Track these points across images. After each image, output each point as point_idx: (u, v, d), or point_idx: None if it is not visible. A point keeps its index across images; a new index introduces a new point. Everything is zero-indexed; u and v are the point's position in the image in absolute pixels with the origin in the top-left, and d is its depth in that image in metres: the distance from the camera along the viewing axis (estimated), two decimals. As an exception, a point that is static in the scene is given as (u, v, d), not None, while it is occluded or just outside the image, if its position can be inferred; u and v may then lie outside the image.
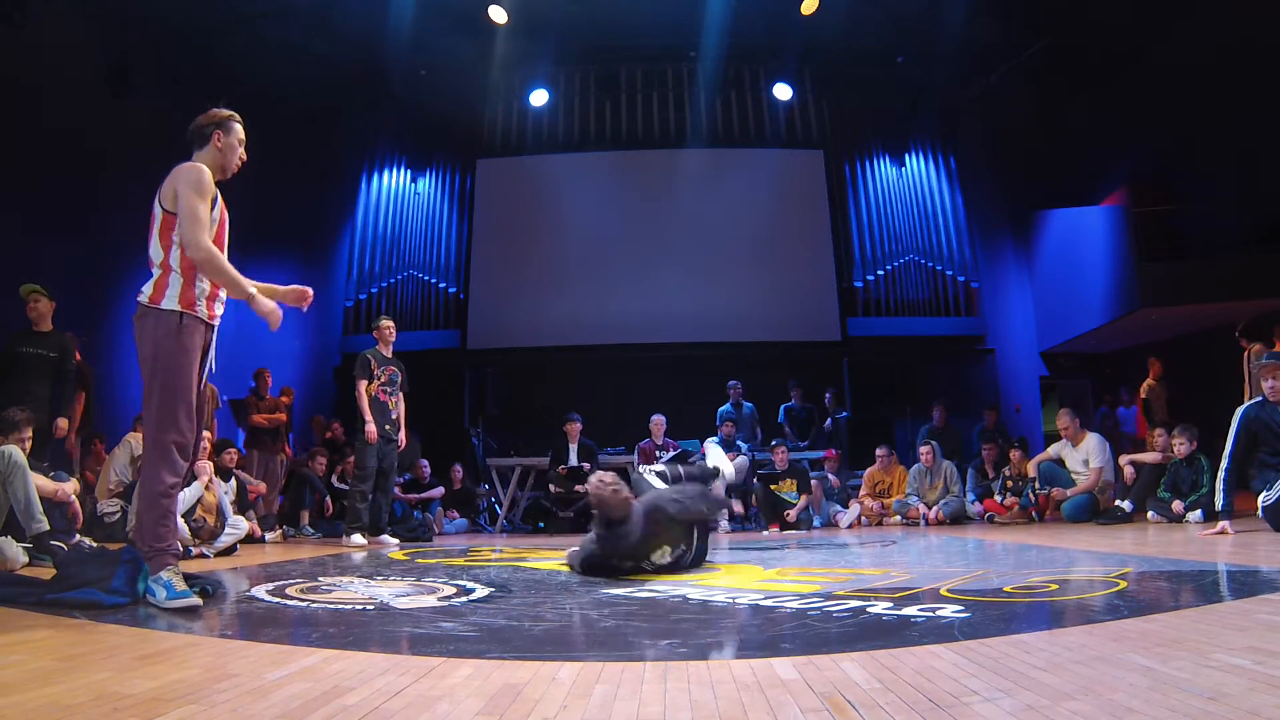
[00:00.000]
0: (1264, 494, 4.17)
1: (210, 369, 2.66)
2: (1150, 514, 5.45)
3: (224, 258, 2.56)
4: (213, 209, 2.58)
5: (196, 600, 2.29)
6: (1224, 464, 4.28)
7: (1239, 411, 4.33)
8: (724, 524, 6.74)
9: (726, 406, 8.15)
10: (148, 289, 2.54)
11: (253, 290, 2.55)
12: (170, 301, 2.52)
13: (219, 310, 2.67)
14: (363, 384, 5.65)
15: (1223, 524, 4.09)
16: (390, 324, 5.94)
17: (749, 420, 8.19)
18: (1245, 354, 6.31)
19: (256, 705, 1.26)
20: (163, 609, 2.23)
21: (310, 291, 2.87)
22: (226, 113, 2.70)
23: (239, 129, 2.70)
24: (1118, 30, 8.64)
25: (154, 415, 2.47)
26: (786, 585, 2.76)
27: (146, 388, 2.50)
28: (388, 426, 5.70)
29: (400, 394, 5.84)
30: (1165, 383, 7.89)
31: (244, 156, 2.74)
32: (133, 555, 2.42)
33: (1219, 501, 4.22)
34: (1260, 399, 4.34)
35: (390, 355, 5.84)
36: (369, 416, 5.56)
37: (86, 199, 7.05)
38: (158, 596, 2.29)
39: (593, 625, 2.06)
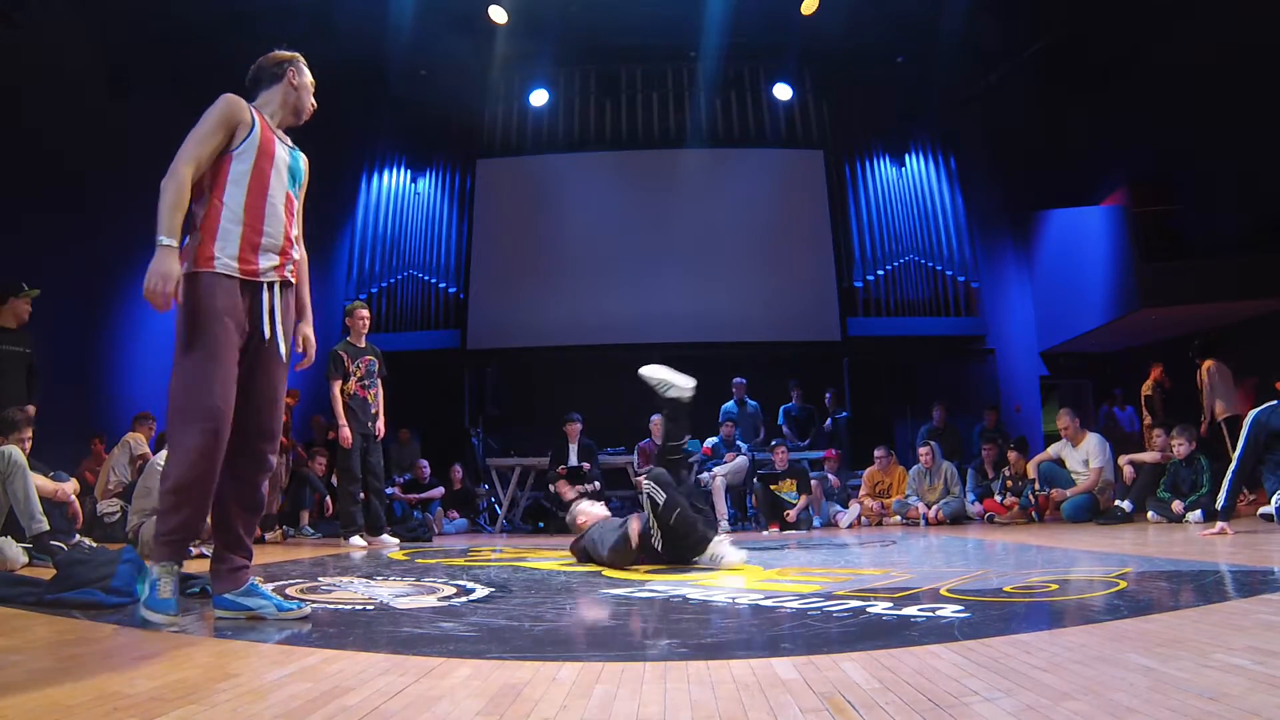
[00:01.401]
0: (1277, 495, 4.20)
1: (275, 337, 2.20)
2: (1150, 514, 5.46)
3: (185, 193, 2.08)
4: (238, 142, 2.17)
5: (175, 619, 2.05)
6: (1233, 466, 4.30)
7: (1251, 415, 4.33)
8: (724, 524, 6.74)
9: (730, 404, 8.15)
10: (185, 251, 2.15)
11: (165, 240, 2.02)
12: (189, 264, 2.12)
13: (266, 264, 2.18)
14: (337, 384, 5.44)
15: (1221, 524, 4.09)
16: (366, 313, 5.71)
17: (752, 418, 8.18)
18: (1199, 370, 6.54)
19: (256, 705, 1.26)
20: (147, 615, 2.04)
21: (311, 358, 2.51)
22: (293, 53, 2.40)
23: (308, 72, 2.41)
24: (1118, 30, 8.64)
25: (173, 393, 2.09)
26: (786, 585, 2.76)
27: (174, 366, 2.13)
28: (370, 423, 5.52)
29: (379, 383, 5.63)
30: (1164, 385, 7.91)
31: (314, 103, 2.43)
32: (133, 555, 2.41)
33: (1221, 501, 4.22)
34: (1274, 403, 4.34)
35: (364, 345, 5.63)
36: (343, 420, 5.39)
37: (87, 199, 7.05)
38: (142, 595, 2.08)
39: (593, 625, 2.06)
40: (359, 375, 5.52)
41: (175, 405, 2.09)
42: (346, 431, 5.39)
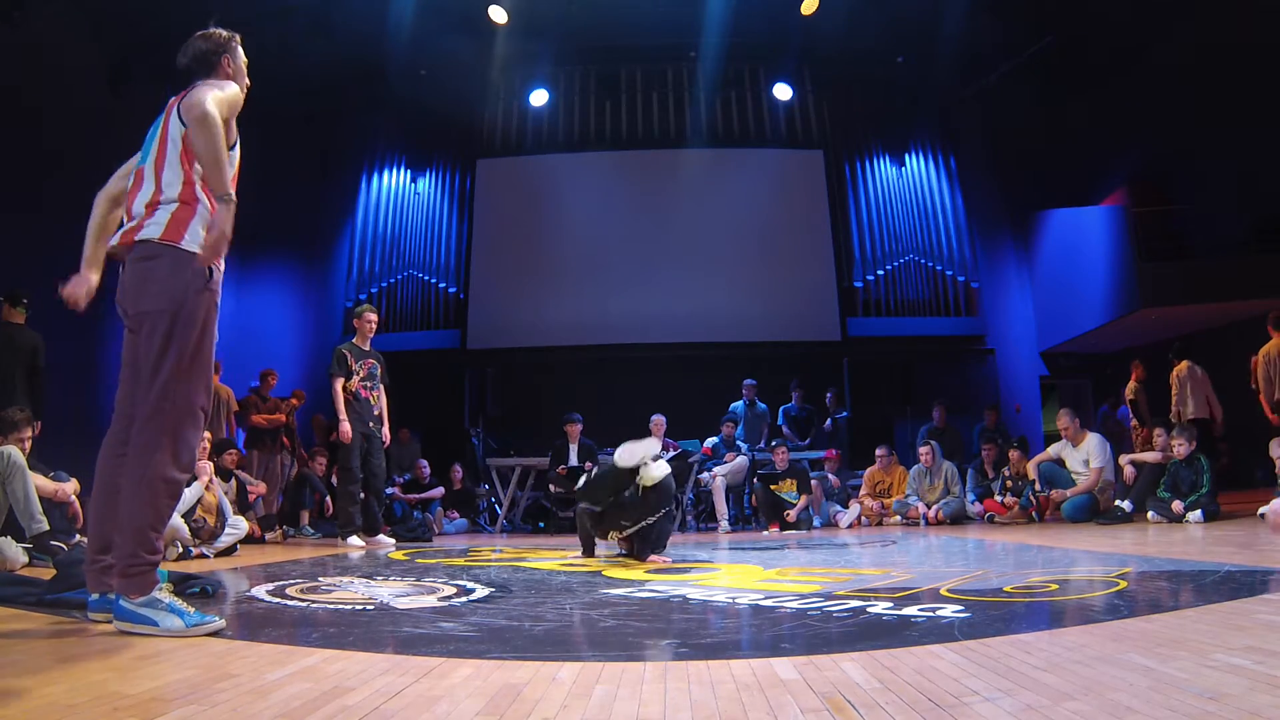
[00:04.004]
0: None
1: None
2: (1150, 514, 5.45)
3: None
4: (232, 146, 2.10)
5: (220, 623, 1.92)
6: None
7: None
8: (724, 524, 6.75)
9: (739, 404, 8.12)
10: (159, 224, 1.99)
11: (234, 196, 1.98)
12: (194, 243, 1.98)
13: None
14: (339, 382, 5.44)
15: None
16: (374, 317, 5.71)
17: (759, 420, 8.16)
18: (1174, 371, 6.60)
19: (256, 705, 1.26)
20: (185, 636, 1.84)
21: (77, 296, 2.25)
22: (226, 33, 2.26)
23: (242, 51, 2.28)
24: (1118, 30, 8.65)
25: (175, 383, 1.96)
26: (786, 585, 2.76)
27: (159, 348, 1.95)
28: (371, 423, 5.53)
29: (381, 387, 5.64)
30: (1147, 384, 7.89)
31: (249, 83, 2.29)
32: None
33: None
34: None
35: (368, 348, 5.64)
36: (344, 416, 5.39)
37: (87, 199, 7.05)
38: (164, 624, 1.85)
39: (593, 625, 2.06)
40: (361, 375, 5.53)
41: (174, 401, 1.98)
42: (346, 426, 5.38)
